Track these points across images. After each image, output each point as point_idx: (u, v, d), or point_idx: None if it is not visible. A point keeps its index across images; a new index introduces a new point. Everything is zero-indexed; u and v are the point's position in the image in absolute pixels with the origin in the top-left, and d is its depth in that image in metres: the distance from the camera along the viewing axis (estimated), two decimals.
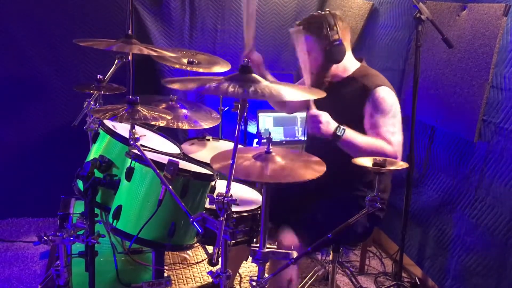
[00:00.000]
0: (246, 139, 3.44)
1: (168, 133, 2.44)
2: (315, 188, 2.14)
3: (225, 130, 3.28)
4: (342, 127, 1.93)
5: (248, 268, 2.90)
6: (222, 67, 2.84)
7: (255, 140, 3.50)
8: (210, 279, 2.52)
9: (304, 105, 2.47)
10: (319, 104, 2.22)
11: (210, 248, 2.37)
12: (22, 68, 3.20)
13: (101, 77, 2.60)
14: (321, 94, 1.66)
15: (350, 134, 1.94)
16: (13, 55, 3.17)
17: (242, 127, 3.27)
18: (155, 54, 2.28)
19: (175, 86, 1.66)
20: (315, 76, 2.15)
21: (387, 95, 2.04)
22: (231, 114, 3.24)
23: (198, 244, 2.04)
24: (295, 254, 1.67)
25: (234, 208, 1.50)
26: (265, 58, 3.70)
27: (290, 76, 3.82)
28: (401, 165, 1.66)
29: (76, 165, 2.02)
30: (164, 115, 1.89)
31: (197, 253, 3.03)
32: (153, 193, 1.80)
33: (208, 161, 1.76)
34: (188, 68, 2.77)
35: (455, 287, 2.49)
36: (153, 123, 1.86)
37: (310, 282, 2.68)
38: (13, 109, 3.26)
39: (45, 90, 3.28)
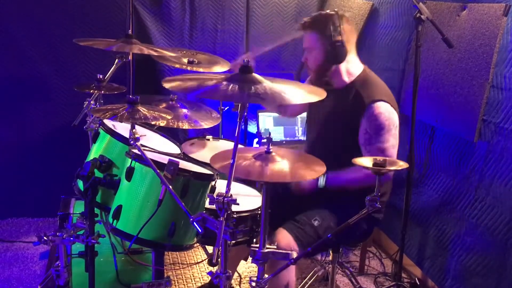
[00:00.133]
0: (246, 139, 3.44)
1: (168, 133, 2.44)
2: (313, 192, 2.15)
3: (225, 130, 3.28)
4: (321, 178, 2.05)
5: (248, 268, 2.90)
6: (222, 67, 2.84)
7: (255, 140, 3.50)
8: (208, 280, 2.53)
9: (305, 107, 2.48)
10: (316, 113, 2.24)
11: (210, 248, 2.37)
12: (22, 68, 3.20)
13: (101, 76, 2.60)
14: (322, 95, 1.66)
15: (332, 177, 2.06)
16: (13, 55, 3.17)
17: (242, 127, 3.26)
18: (155, 53, 2.28)
19: (175, 84, 1.65)
20: (314, 75, 2.17)
21: (382, 111, 2.03)
22: (231, 114, 3.25)
23: (198, 244, 2.04)
24: (294, 254, 1.67)
25: (234, 208, 1.50)
26: (265, 58, 3.73)
27: (290, 76, 3.82)
28: (401, 165, 1.66)
29: (76, 165, 2.02)
30: (164, 115, 1.89)
31: (197, 253, 3.03)
32: (153, 193, 1.80)
33: (208, 161, 1.76)
34: (188, 68, 2.77)
35: (455, 287, 2.49)
36: (153, 122, 1.85)
37: (310, 282, 2.68)
38: (13, 109, 3.26)
39: (45, 90, 3.28)
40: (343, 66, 2.13)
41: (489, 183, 2.26)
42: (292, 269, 2.04)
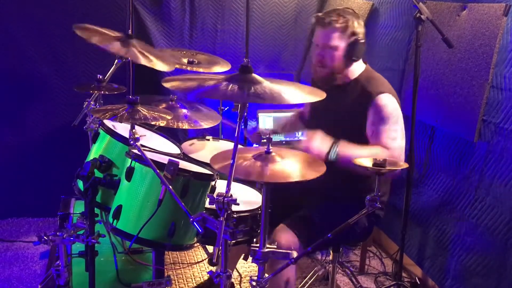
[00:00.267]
0: (246, 139, 3.44)
1: (168, 133, 2.44)
2: (314, 188, 2.14)
3: (225, 130, 3.28)
4: (334, 150, 1.95)
5: (248, 268, 2.90)
6: (222, 67, 2.85)
7: None
8: (207, 278, 2.53)
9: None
10: (321, 108, 2.22)
11: (210, 248, 2.38)
12: (22, 68, 3.20)
13: (101, 77, 2.61)
14: (321, 95, 1.66)
15: (344, 152, 1.95)
16: (13, 55, 3.17)
17: (242, 127, 3.26)
18: (148, 64, 2.16)
19: (175, 84, 1.65)
20: (329, 71, 2.12)
21: (389, 102, 2.04)
22: (231, 114, 3.25)
23: (198, 244, 2.04)
24: (295, 254, 1.67)
25: (234, 208, 1.50)
26: (265, 58, 3.73)
27: (290, 76, 3.82)
28: (401, 165, 1.66)
29: (76, 165, 2.02)
30: (164, 115, 1.89)
31: (197, 253, 3.03)
32: (153, 193, 1.80)
33: (208, 161, 1.76)
34: (188, 68, 2.77)
35: (455, 287, 2.49)
36: (153, 123, 1.86)
37: (310, 282, 2.68)
38: (13, 109, 3.26)
39: (45, 90, 3.28)
40: (354, 63, 2.13)
41: (489, 183, 2.26)
42: (292, 267, 2.04)
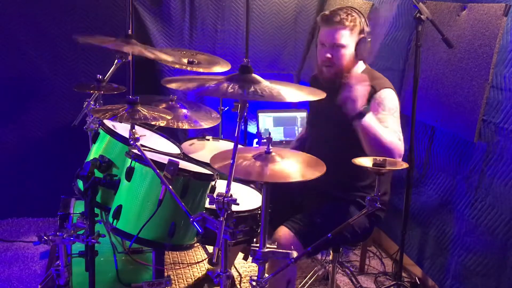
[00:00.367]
0: (246, 139, 3.44)
1: (168, 133, 2.44)
2: (314, 188, 2.14)
3: (225, 130, 3.28)
4: (367, 106, 1.90)
5: (248, 268, 2.90)
6: (222, 67, 2.84)
7: (255, 140, 3.51)
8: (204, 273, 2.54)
9: None
10: (319, 111, 2.22)
11: (210, 248, 2.38)
12: (22, 68, 3.20)
13: (101, 77, 2.61)
14: (321, 95, 1.66)
15: (372, 118, 1.92)
16: (13, 55, 3.17)
17: (242, 127, 3.27)
18: (152, 56, 2.20)
19: (174, 85, 1.66)
20: (338, 70, 2.09)
21: (391, 97, 2.06)
22: (231, 114, 3.25)
23: (198, 244, 2.04)
24: (295, 254, 1.67)
25: (234, 208, 1.50)
26: (265, 58, 3.73)
27: (290, 76, 3.82)
28: (401, 165, 1.66)
29: (76, 165, 2.02)
30: (164, 115, 1.89)
31: (197, 253, 3.03)
32: (153, 193, 1.80)
33: (208, 161, 1.76)
34: (188, 68, 2.77)
35: (455, 287, 2.49)
36: (153, 123, 1.86)
37: (310, 282, 2.68)
38: (13, 109, 3.26)
39: (45, 90, 3.28)
40: (359, 62, 2.14)
41: (489, 183, 2.26)
42: (294, 268, 2.04)
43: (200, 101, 3.62)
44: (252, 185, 2.30)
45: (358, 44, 2.07)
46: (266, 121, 3.42)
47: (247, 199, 2.14)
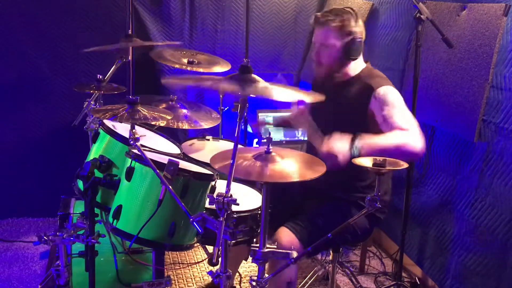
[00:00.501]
0: (246, 139, 3.44)
1: (168, 133, 2.44)
2: (315, 189, 2.14)
3: (225, 130, 3.28)
4: (355, 145, 1.84)
5: (248, 268, 2.90)
6: (222, 67, 2.85)
7: (255, 140, 3.51)
8: (210, 279, 2.53)
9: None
10: (322, 106, 2.21)
11: (210, 248, 2.37)
12: (22, 68, 3.20)
13: (101, 77, 2.61)
14: (319, 98, 1.66)
15: (366, 144, 1.85)
16: (13, 55, 3.17)
17: (242, 127, 3.27)
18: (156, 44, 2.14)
19: (175, 81, 1.65)
20: (327, 70, 2.14)
21: (391, 91, 2.03)
22: (231, 114, 3.25)
23: (198, 244, 2.04)
24: (295, 254, 1.67)
25: (234, 208, 1.50)
26: (265, 58, 3.73)
27: (290, 76, 3.82)
28: (401, 165, 1.65)
29: (76, 165, 2.02)
30: (164, 115, 1.89)
31: (197, 253, 3.03)
32: (153, 193, 1.80)
33: (208, 161, 1.76)
34: (188, 68, 2.77)
35: (455, 287, 2.49)
36: (153, 123, 1.86)
37: (310, 282, 2.68)
38: (13, 109, 3.26)
39: (45, 90, 3.28)
40: (352, 63, 2.13)
41: (489, 183, 2.26)
42: (294, 268, 2.03)
43: (200, 101, 3.62)
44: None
45: (346, 45, 2.07)
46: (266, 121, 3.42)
47: (247, 199, 2.14)
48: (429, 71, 2.61)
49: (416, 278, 2.76)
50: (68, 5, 3.18)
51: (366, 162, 1.64)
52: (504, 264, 2.19)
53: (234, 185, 2.25)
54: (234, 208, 1.49)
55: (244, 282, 2.72)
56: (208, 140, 2.67)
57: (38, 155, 3.35)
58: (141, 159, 1.81)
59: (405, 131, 1.91)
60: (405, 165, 1.65)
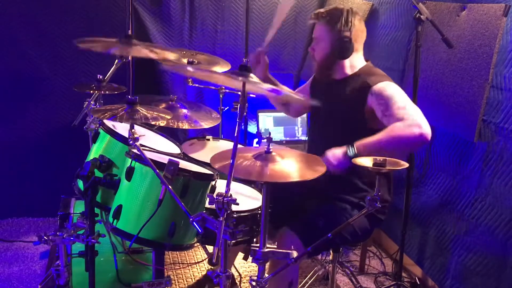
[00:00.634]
0: (246, 139, 3.44)
1: (168, 133, 2.44)
2: (315, 189, 2.14)
3: (225, 130, 3.28)
4: (349, 149, 1.86)
5: (248, 268, 2.90)
6: (222, 67, 2.84)
7: (255, 140, 3.51)
8: (200, 276, 2.53)
9: (308, 108, 2.47)
10: (319, 108, 2.22)
11: (210, 248, 2.38)
12: (22, 68, 3.20)
13: (101, 77, 2.61)
14: (315, 102, 1.67)
15: (363, 144, 1.86)
16: (13, 54, 3.17)
17: (242, 127, 3.27)
18: (155, 56, 2.18)
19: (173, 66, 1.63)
20: (319, 67, 2.18)
21: (387, 86, 2.01)
22: (231, 114, 3.25)
23: (198, 244, 2.04)
24: (295, 254, 1.67)
25: (234, 208, 1.50)
26: None
27: (290, 76, 3.82)
28: (401, 165, 1.65)
29: (76, 165, 2.02)
30: (164, 115, 1.89)
31: (197, 253, 3.03)
32: (153, 193, 1.80)
33: (208, 161, 1.76)
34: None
35: (455, 287, 2.49)
36: (153, 123, 1.86)
37: (310, 282, 2.68)
38: (13, 109, 3.26)
39: (45, 90, 3.28)
40: (347, 61, 2.13)
41: (489, 183, 2.27)
42: (295, 268, 2.03)
43: (200, 101, 3.62)
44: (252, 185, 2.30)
45: (334, 43, 2.07)
46: (266, 121, 3.42)
47: (247, 199, 2.14)
48: (429, 71, 2.61)
49: (416, 278, 2.77)
50: (68, 5, 3.18)
51: (366, 162, 1.64)
52: (504, 264, 2.19)
53: (234, 185, 2.25)
54: (234, 208, 1.49)
55: (244, 282, 2.72)
56: (208, 140, 2.67)
57: (38, 155, 3.35)
58: (141, 159, 1.81)
59: (400, 122, 1.89)
60: (405, 165, 1.65)
